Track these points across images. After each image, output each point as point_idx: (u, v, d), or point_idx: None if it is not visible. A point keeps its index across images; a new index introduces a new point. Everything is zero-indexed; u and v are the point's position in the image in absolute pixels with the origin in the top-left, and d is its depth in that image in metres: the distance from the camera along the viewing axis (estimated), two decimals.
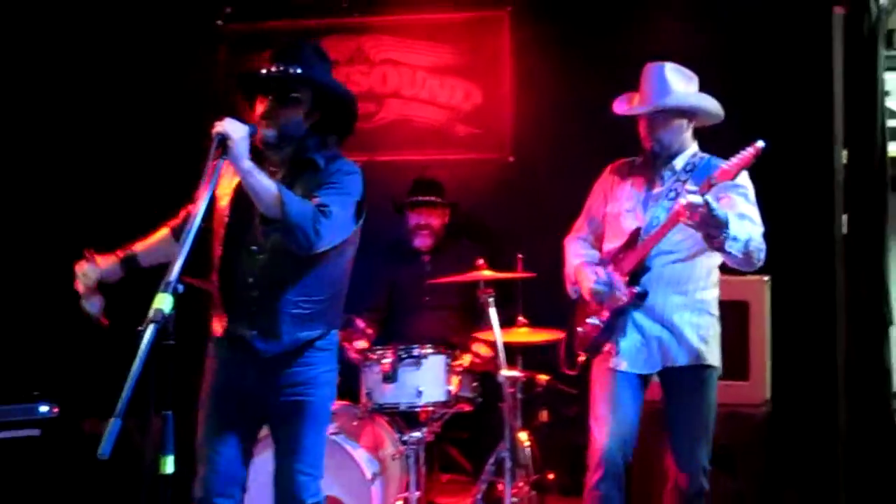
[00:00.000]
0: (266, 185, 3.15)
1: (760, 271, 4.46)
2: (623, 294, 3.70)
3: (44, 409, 5.30)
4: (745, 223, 3.43)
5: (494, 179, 5.49)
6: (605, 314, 3.80)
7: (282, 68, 3.32)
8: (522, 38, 5.58)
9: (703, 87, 4.89)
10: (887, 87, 4.81)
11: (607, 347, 3.78)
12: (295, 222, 3.13)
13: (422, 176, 5.38)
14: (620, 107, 3.81)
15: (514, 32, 5.61)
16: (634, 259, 3.69)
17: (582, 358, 4.19)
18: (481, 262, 4.50)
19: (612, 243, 3.86)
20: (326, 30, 5.76)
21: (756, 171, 4.67)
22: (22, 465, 5.23)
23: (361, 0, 5.78)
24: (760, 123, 4.97)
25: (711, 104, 3.77)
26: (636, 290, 3.66)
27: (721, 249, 3.43)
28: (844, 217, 4.88)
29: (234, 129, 3.13)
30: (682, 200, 3.34)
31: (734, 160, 3.36)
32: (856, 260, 4.81)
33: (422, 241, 5.26)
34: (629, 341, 3.75)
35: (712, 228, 3.34)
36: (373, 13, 5.77)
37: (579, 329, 3.92)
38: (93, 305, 3.42)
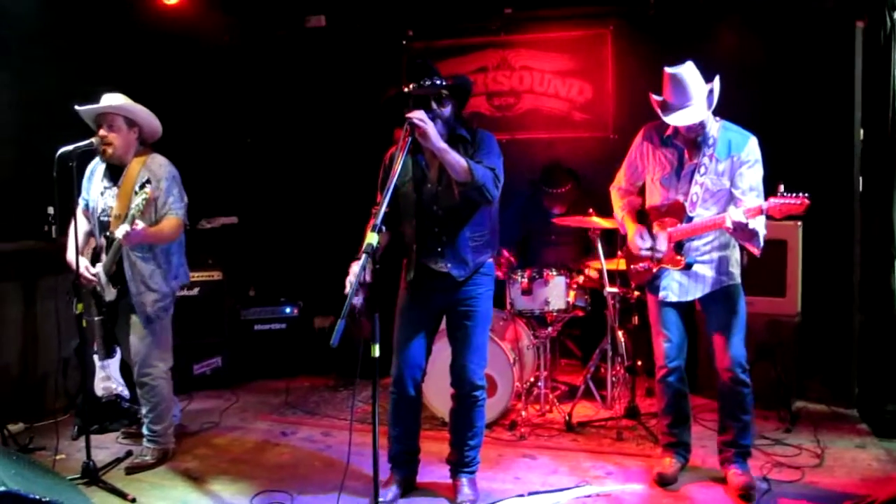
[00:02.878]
0: (458, 158, 3.48)
1: (795, 218, 4.91)
2: (672, 261, 3.79)
3: (288, 309, 6.22)
4: (760, 215, 3.48)
5: (601, 151, 5.88)
6: (654, 266, 3.89)
7: (431, 82, 3.57)
8: (621, 49, 6.07)
9: (754, 86, 5.20)
10: None
11: (656, 283, 3.92)
12: (481, 183, 3.49)
13: (549, 166, 5.81)
14: (677, 119, 3.67)
15: (614, 44, 6.10)
16: (681, 234, 3.75)
17: (636, 293, 4.56)
18: (591, 210, 4.94)
19: (652, 201, 3.95)
20: (482, 45, 6.38)
21: (796, 143, 5.05)
22: (274, 349, 6.18)
23: (507, 23, 6.25)
24: (800, 109, 5.46)
25: (717, 85, 3.68)
26: (685, 261, 3.75)
27: (746, 245, 3.67)
28: (861, 178, 5.14)
29: (424, 117, 3.42)
30: (729, 220, 3.47)
31: (781, 204, 3.38)
32: (869, 210, 5.04)
33: (559, 210, 5.71)
34: (672, 280, 3.87)
35: (747, 237, 3.58)
36: (514, 33, 6.31)
37: (633, 267, 4.04)
38: (358, 299, 3.41)
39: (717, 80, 3.72)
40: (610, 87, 6.14)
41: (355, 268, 3.31)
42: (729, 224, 3.50)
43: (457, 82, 3.69)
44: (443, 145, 3.48)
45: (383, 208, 3.10)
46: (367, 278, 3.28)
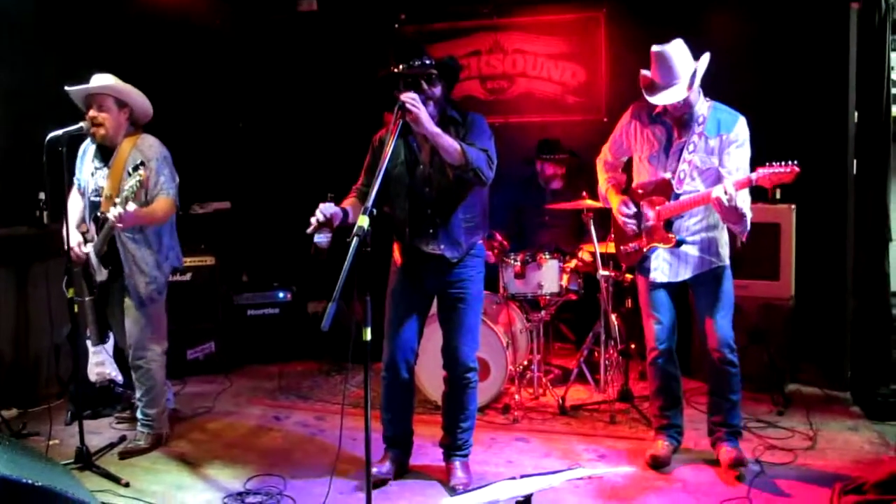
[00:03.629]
0: (451, 141, 3.45)
1: (788, 200, 5.02)
2: (663, 239, 3.77)
3: (281, 294, 6.22)
4: (748, 186, 3.48)
5: (593, 133, 5.55)
6: (644, 245, 3.88)
7: (421, 62, 3.55)
8: (614, 32, 6.05)
9: (748, 69, 5.18)
10: (893, 63, 4.82)
11: (646, 265, 3.93)
12: (476, 166, 3.48)
13: (546, 138, 5.77)
14: (660, 100, 3.67)
15: (607, 28, 6.08)
16: (669, 212, 3.73)
17: (629, 276, 4.53)
18: (585, 193, 4.94)
19: (640, 179, 3.92)
20: (474, 29, 6.35)
21: (790, 124, 5.05)
22: (267, 334, 6.18)
23: (499, 6, 6.24)
24: (793, 91, 5.44)
25: (702, 64, 3.64)
26: (675, 239, 3.72)
27: (732, 227, 3.66)
28: (855, 161, 5.11)
29: (415, 99, 3.37)
30: (714, 194, 3.45)
31: (770, 173, 3.36)
32: (863, 193, 5.00)
33: (557, 184, 5.66)
34: (662, 261, 3.88)
35: (734, 218, 3.56)
36: (507, 16, 6.29)
37: (622, 248, 4.04)
38: (323, 237, 3.60)
39: (703, 57, 3.68)
40: (603, 70, 6.13)
41: (323, 206, 3.38)
42: (715, 196, 3.45)
43: (445, 62, 3.67)
44: (435, 129, 3.46)
45: (374, 191, 3.07)
46: (329, 216, 3.39)
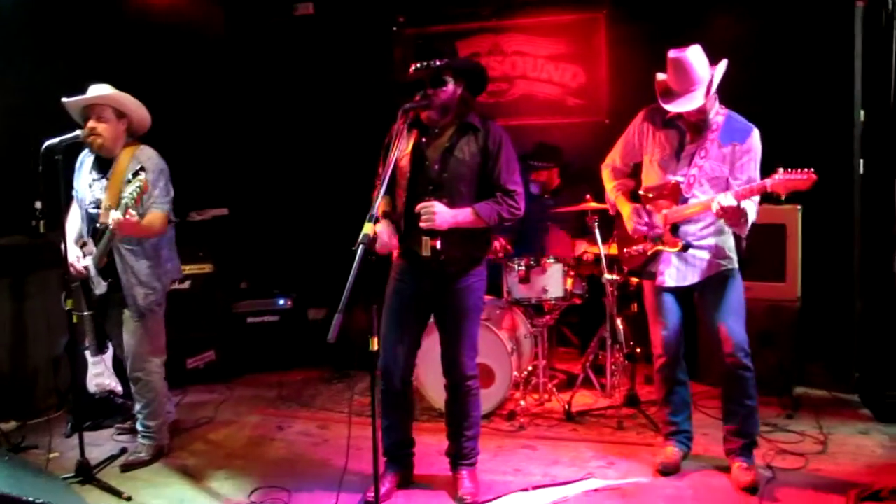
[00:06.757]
0: (473, 218, 3.52)
1: (794, 201, 4.82)
2: (669, 242, 3.75)
3: (281, 301, 6.17)
4: (756, 195, 3.50)
5: (594, 136, 5.69)
6: (649, 248, 3.86)
7: (425, 63, 3.50)
8: (614, 34, 6.04)
9: (752, 68, 5.10)
10: None
11: (651, 269, 3.87)
12: (504, 218, 3.57)
13: (542, 142, 5.68)
14: (676, 107, 3.63)
15: (608, 29, 6.06)
16: (676, 216, 3.72)
17: (634, 279, 4.47)
18: (588, 196, 4.91)
19: (648, 182, 3.90)
20: (473, 31, 6.32)
21: (795, 125, 5.02)
22: (267, 341, 6.12)
23: (498, 8, 6.22)
24: (798, 91, 5.43)
25: (719, 71, 3.63)
26: (681, 243, 3.72)
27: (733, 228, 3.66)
28: (861, 160, 5.06)
29: (430, 212, 3.46)
30: (716, 204, 3.44)
31: (786, 180, 3.33)
32: (870, 193, 4.97)
33: (535, 189, 5.55)
34: (669, 265, 3.83)
35: (735, 222, 3.56)
36: (506, 18, 6.27)
37: (626, 251, 4.00)
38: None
39: (721, 64, 3.65)
40: (604, 71, 6.11)
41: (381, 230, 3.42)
42: (716, 208, 3.45)
43: (456, 62, 3.59)
44: (459, 219, 3.50)
45: (378, 200, 3.05)
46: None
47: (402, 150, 3.59)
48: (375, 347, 3.00)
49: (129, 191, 3.84)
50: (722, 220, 3.69)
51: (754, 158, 3.68)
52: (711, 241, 3.79)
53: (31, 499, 2.94)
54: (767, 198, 3.56)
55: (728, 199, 3.43)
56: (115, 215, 3.84)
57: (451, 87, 3.56)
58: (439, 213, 3.48)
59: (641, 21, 5.80)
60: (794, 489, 3.73)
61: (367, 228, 2.91)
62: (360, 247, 2.88)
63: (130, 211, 3.80)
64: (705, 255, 3.80)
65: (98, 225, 4.11)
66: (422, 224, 3.48)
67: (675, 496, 3.75)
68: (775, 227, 5.00)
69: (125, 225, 3.83)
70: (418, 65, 3.52)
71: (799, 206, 5.04)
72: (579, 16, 6.13)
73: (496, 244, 4.99)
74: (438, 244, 3.59)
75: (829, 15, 5.28)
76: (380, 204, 3.33)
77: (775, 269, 5.09)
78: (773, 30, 5.51)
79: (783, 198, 3.47)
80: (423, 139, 3.65)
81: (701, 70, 3.62)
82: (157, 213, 4.11)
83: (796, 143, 4.89)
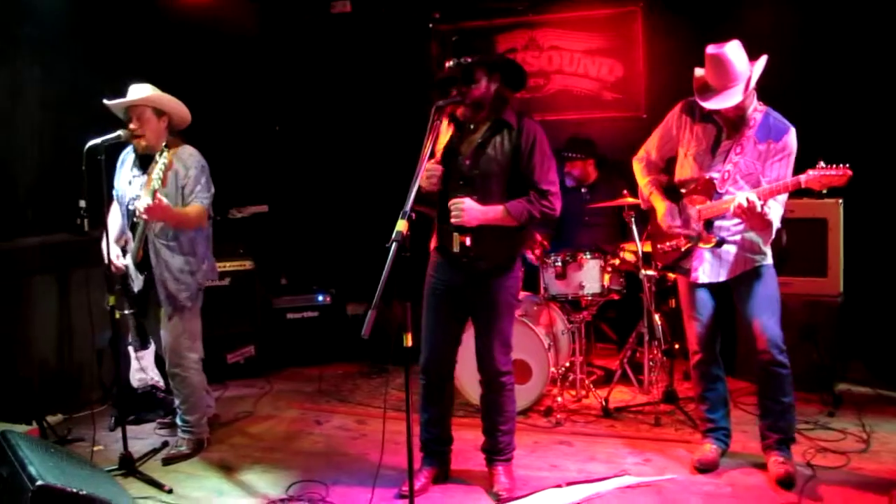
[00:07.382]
0: (504, 216, 3.50)
1: (836, 195, 4.80)
2: (703, 238, 3.74)
3: (320, 297, 6.25)
4: (779, 202, 3.53)
5: (632, 130, 5.64)
6: (683, 244, 3.85)
7: (458, 60, 3.51)
8: (651, 27, 6.00)
9: (791, 60, 5.04)
10: None
11: (685, 265, 3.87)
12: (535, 218, 3.55)
13: (575, 134, 5.66)
14: (714, 104, 3.59)
15: (644, 23, 6.02)
16: (709, 212, 3.71)
17: (671, 275, 4.40)
18: (626, 191, 4.86)
19: (682, 175, 3.87)
20: (509, 26, 6.31)
21: (836, 117, 4.96)
22: (306, 336, 6.20)
23: (533, 3, 6.21)
24: (841, 84, 5.34)
25: (758, 67, 3.58)
26: (715, 239, 3.70)
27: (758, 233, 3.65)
28: None
29: (455, 204, 3.48)
30: (736, 203, 3.44)
31: (820, 175, 3.31)
32: None
33: (591, 179, 5.56)
34: (702, 260, 3.81)
35: (758, 224, 3.55)
36: (542, 13, 6.26)
37: (659, 247, 4.01)
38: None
39: (760, 60, 3.59)
40: (641, 65, 6.07)
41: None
42: (737, 202, 3.43)
43: (486, 58, 3.56)
44: (489, 216, 3.51)
45: (412, 194, 3.04)
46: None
47: (437, 145, 3.59)
48: (410, 343, 2.99)
49: (156, 171, 3.91)
50: None
51: (787, 158, 3.61)
52: (745, 235, 3.74)
53: (76, 490, 3.03)
54: (807, 192, 3.47)
55: (748, 197, 3.41)
56: (144, 201, 3.91)
57: (483, 83, 3.55)
58: (468, 210, 3.48)
59: (679, 14, 5.75)
60: (834, 487, 3.66)
61: (400, 225, 2.91)
62: (394, 243, 2.87)
63: (159, 195, 3.86)
64: (739, 251, 3.76)
65: (135, 219, 4.19)
66: (451, 220, 3.50)
67: (712, 494, 3.71)
68: (817, 222, 4.93)
69: (155, 209, 3.91)
70: (452, 62, 3.54)
71: (840, 200, 4.94)
72: (616, 9, 6.11)
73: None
74: (468, 241, 3.58)
75: (871, 7, 5.18)
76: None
77: (817, 264, 5.00)
78: (813, 21, 5.42)
79: (824, 192, 3.41)
80: (458, 135, 3.65)
81: (740, 66, 3.56)
82: (197, 206, 4.19)
83: (838, 135, 4.81)
